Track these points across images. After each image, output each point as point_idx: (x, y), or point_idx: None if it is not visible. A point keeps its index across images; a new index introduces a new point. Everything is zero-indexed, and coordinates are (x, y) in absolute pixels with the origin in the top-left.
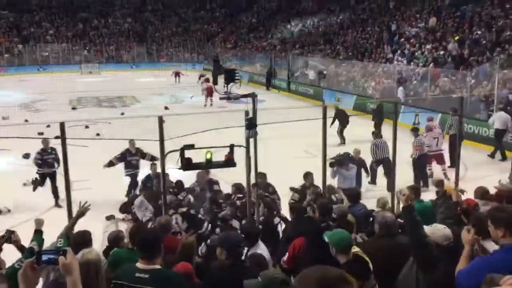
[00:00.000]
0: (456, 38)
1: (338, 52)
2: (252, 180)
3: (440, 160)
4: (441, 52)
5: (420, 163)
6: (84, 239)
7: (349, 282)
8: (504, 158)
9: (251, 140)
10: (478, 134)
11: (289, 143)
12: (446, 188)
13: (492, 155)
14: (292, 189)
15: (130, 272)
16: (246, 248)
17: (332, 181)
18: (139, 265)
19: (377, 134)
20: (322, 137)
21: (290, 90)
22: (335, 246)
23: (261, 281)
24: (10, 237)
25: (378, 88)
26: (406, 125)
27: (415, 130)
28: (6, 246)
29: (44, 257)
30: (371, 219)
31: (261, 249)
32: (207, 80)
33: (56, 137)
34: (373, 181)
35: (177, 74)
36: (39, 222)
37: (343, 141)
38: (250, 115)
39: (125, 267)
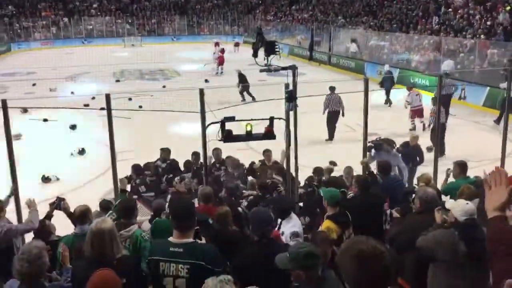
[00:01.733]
0: (507, 8)
1: (382, 24)
2: (292, 153)
3: (420, 114)
4: (489, 23)
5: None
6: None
7: (383, 258)
8: None
9: (291, 113)
10: None
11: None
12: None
13: None
14: (331, 162)
15: (164, 247)
16: (279, 221)
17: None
18: (172, 239)
19: (332, 88)
20: (363, 111)
21: (330, 63)
22: (326, 200)
23: (288, 255)
24: (59, 204)
25: (422, 61)
26: (452, 99)
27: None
28: (56, 213)
29: None
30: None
31: (294, 222)
32: (222, 51)
33: (101, 108)
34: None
35: (236, 44)
36: (123, 182)
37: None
38: (290, 87)
39: (158, 243)
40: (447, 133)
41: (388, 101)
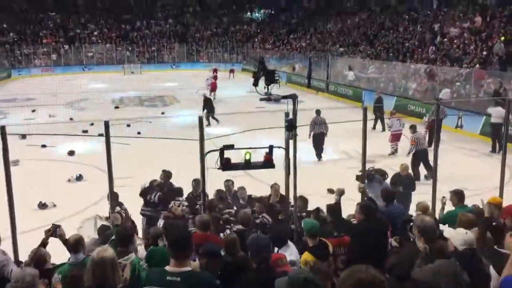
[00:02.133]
0: (502, 38)
1: (379, 53)
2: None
3: (398, 138)
4: (485, 53)
5: (419, 158)
6: (126, 235)
7: (383, 285)
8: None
9: (291, 141)
10: None
11: (327, 143)
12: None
13: None
14: (329, 190)
15: (161, 276)
16: (276, 250)
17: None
18: (169, 268)
19: (318, 111)
20: (362, 139)
21: (328, 90)
22: (306, 231)
23: (287, 279)
24: (55, 231)
25: (419, 89)
26: (448, 128)
27: (413, 128)
28: (52, 240)
29: None
30: (411, 224)
31: (291, 251)
32: (215, 78)
33: (100, 135)
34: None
35: (231, 71)
36: (116, 218)
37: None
38: (290, 116)
39: (155, 271)
40: (442, 159)
41: (381, 126)
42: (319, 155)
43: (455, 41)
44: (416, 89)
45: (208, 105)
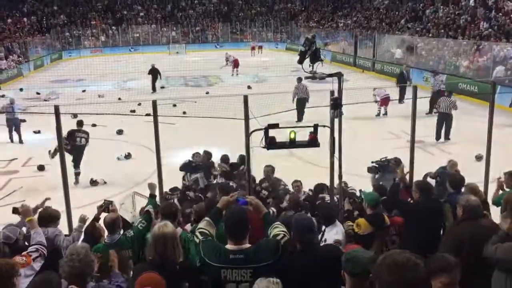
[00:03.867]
0: None
1: (428, 29)
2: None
3: (386, 102)
4: None
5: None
6: (170, 210)
7: (418, 269)
8: None
9: (336, 120)
10: None
11: (373, 124)
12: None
13: None
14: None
15: (223, 254)
16: (323, 228)
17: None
18: (229, 247)
19: (300, 79)
20: (411, 118)
21: (375, 69)
22: (367, 202)
23: (344, 258)
24: (108, 207)
25: (472, 67)
26: (502, 107)
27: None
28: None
29: None
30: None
31: (337, 229)
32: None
33: (147, 115)
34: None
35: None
36: (152, 187)
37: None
38: (335, 95)
39: (214, 249)
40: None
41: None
42: (300, 118)
43: (511, 15)
44: (468, 66)
45: (154, 73)
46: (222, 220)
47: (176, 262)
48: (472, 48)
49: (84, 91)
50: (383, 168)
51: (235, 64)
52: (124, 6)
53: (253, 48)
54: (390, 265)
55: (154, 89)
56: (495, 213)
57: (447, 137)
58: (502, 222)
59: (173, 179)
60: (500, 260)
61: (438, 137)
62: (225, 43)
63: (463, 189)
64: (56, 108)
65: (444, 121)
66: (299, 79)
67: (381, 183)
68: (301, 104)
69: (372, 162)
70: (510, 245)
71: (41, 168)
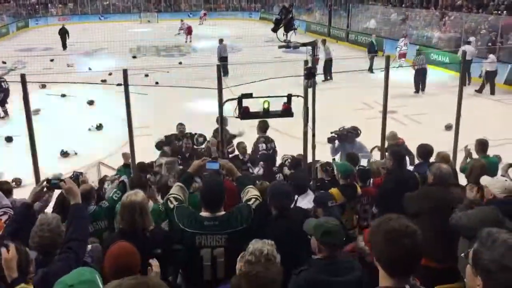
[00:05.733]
0: None
1: (401, 0)
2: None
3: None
4: None
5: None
6: (141, 182)
7: (414, 236)
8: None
9: (309, 90)
10: None
11: (345, 93)
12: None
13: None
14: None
15: (198, 221)
16: (296, 197)
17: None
18: (204, 214)
19: (221, 40)
20: (384, 88)
21: (348, 40)
22: (340, 173)
23: (313, 224)
24: (77, 177)
25: (443, 37)
26: (473, 78)
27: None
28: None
29: (53, 182)
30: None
31: (310, 198)
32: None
33: (119, 84)
34: None
35: (189, 29)
36: (126, 156)
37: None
38: (309, 64)
39: (189, 215)
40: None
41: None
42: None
43: None
44: (440, 37)
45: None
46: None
47: (146, 230)
48: (443, 18)
49: (52, 60)
50: (342, 138)
51: (189, 31)
52: None
53: (201, 17)
54: (389, 233)
55: (64, 46)
56: (463, 181)
57: (423, 89)
58: (468, 191)
59: (150, 147)
60: (464, 227)
61: (417, 90)
62: (198, 12)
63: (432, 159)
64: (23, 77)
65: (421, 75)
66: (221, 40)
67: (339, 153)
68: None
69: (331, 133)
70: (473, 213)
71: (8, 139)
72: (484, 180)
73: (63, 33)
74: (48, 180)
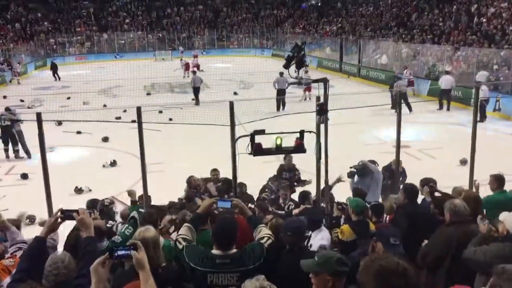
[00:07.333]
0: None
1: (413, 36)
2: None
3: (310, 88)
4: None
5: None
6: (152, 219)
7: (406, 275)
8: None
9: (322, 126)
10: None
11: (359, 129)
12: None
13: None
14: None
15: (209, 259)
16: (309, 232)
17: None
18: (216, 252)
19: (281, 73)
20: (396, 123)
21: (360, 75)
22: (352, 208)
23: (317, 260)
24: (90, 214)
25: (455, 73)
26: (487, 112)
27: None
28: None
29: (119, 252)
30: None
31: (323, 235)
32: (186, 64)
33: (133, 121)
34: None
35: (186, 65)
36: (132, 194)
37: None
38: (321, 100)
39: (201, 254)
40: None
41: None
42: (278, 108)
43: (493, 21)
44: (452, 72)
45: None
46: (201, 224)
47: (158, 267)
48: (455, 53)
49: (69, 98)
50: (361, 172)
51: (186, 67)
52: (109, 12)
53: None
54: (378, 272)
55: (57, 78)
56: None
57: (448, 109)
58: (480, 224)
59: (163, 183)
60: (480, 262)
61: (440, 107)
62: (211, 50)
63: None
64: (38, 115)
65: (445, 95)
66: (281, 74)
67: (359, 186)
68: (281, 93)
69: (351, 167)
70: (489, 249)
71: (24, 176)
72: (502, 215)
73: (53, 66)
74: (62, 211)
